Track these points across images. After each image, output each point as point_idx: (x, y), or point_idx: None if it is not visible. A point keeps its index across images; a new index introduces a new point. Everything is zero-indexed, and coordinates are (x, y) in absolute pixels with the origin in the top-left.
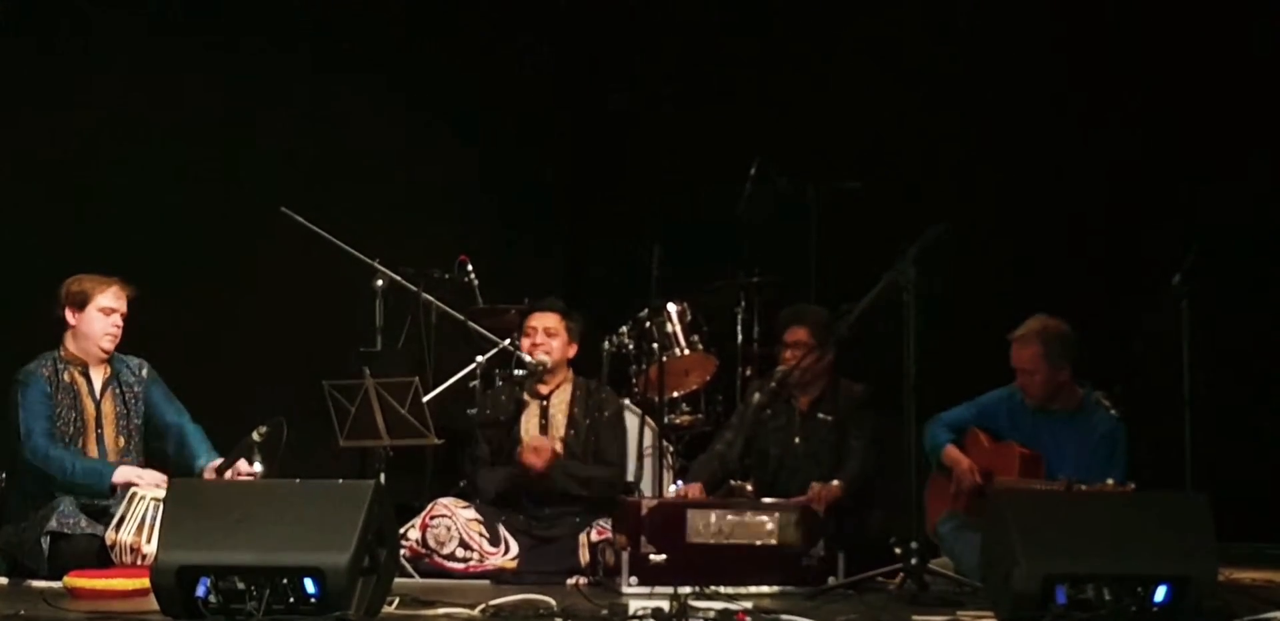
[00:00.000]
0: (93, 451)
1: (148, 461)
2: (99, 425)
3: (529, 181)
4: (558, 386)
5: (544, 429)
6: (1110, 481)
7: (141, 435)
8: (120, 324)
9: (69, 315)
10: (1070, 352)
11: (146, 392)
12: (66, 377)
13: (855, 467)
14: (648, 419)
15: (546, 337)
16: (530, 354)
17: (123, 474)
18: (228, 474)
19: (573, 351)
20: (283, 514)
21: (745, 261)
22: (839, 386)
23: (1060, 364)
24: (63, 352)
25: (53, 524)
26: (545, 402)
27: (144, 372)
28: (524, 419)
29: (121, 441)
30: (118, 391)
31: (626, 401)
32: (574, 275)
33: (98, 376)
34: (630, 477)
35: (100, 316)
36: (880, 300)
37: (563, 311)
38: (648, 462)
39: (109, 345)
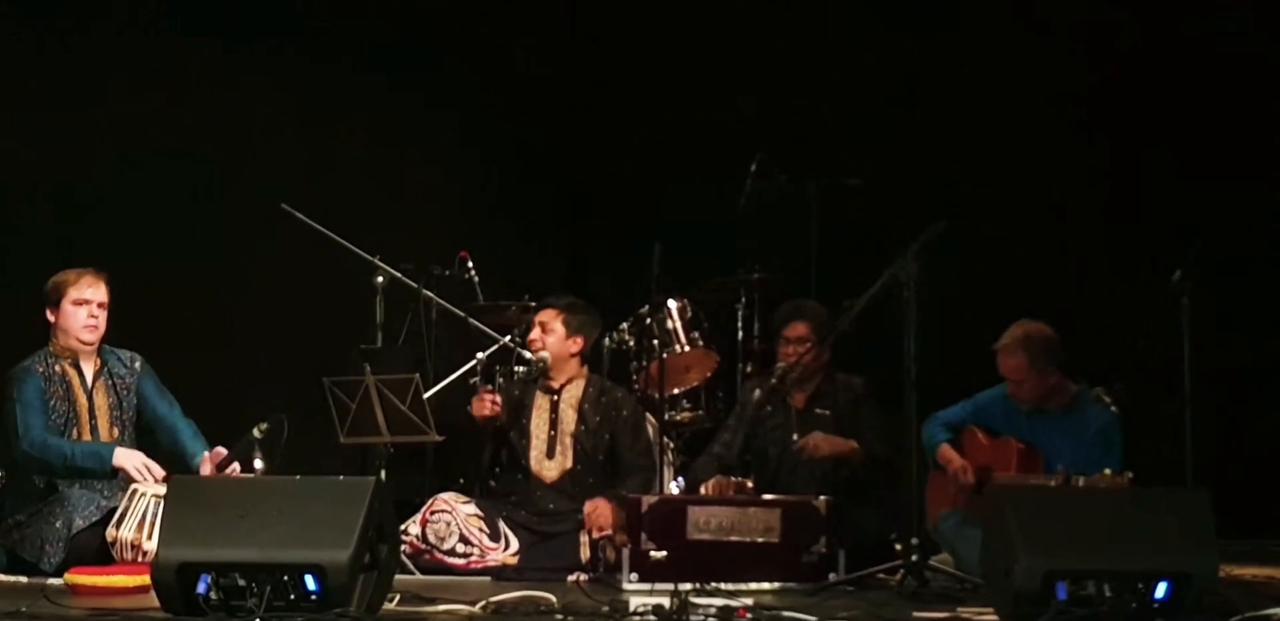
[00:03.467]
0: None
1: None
2: (92, 416)
3: (529, 177)
4: (569, 381)
5: (553, 423)
6: (1107, 471)
7: (134, 427)
8: (98, 314)
9: (49, 313)
10: (1055, 355)
11: (138, 385)
12: (58, 370)
13: (872, 443)
14: (648, 415)
15: (541, 333)
16: (532, 350)
17: (121, 455)
18: (227, 471)
19: (575, 346)
20: (283, 510)
21: (745, 258)
22: (835, 381)
23: (1047, 368)
24: (52, 347)
25: (78, 522)
26: (555, 397)
27: (136, 365)
28: (534, 414)
29: (115, 432)
30: (109, 383)
31: None
32: (574, 271)
33: (89, 368)
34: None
35: (75, 309)
36: (880, 297)
37: (561, 306)
38: (654, 456)
39: (88, 337)
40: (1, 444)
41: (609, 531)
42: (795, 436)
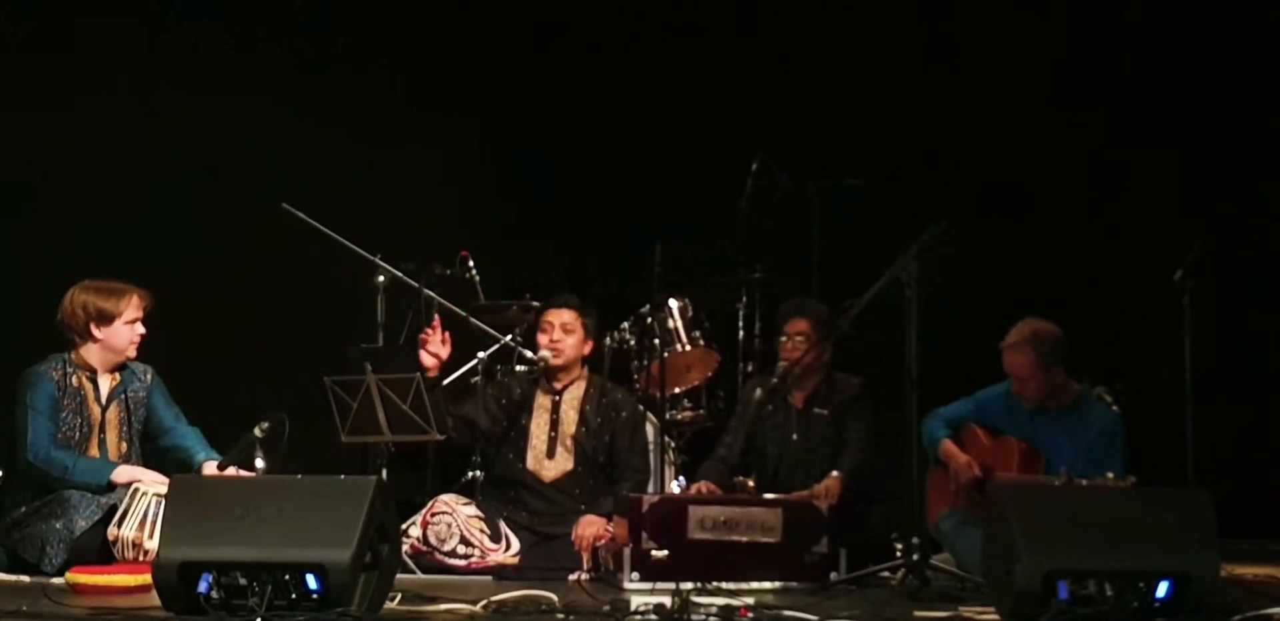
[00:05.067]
0: (94, 455)
1: (146, 465)
2: (102, 430)
3: (531, 177)
4: (571, 382)
5: (554, 424)
6: (1110, 475)
7: (141, 439)
8: (141, 329)
9: (95, 329)
10: (1062, 354)
11: (149, 397)
12: (74, 382)
13: (853, 459)
14: (649, 415)
15: (563, 334)
16: (545, 349)
17: (122, 473)
18: (229, 470)
19: (588, 348)
20: (285, 510)
21: (747, 258)
22: (834, 380)
23: (1054, 367)
24: (74, 357)
25: (80, 523)
26: (557, 397)
27: (148, 378)
28: (535, 414)
29: (124, 447)
30: (123, 399)
31: None
32: (576, 270)
33: (105, 384)
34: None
35: (128, 329)
36: (881, 297)
37: (578, 307)
38: (650, 458)
39: (134, 351)
40: (4, 444)
41: (604, 539)
42: (794, 436)
